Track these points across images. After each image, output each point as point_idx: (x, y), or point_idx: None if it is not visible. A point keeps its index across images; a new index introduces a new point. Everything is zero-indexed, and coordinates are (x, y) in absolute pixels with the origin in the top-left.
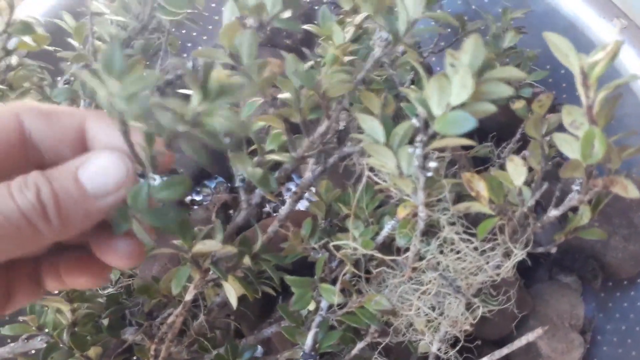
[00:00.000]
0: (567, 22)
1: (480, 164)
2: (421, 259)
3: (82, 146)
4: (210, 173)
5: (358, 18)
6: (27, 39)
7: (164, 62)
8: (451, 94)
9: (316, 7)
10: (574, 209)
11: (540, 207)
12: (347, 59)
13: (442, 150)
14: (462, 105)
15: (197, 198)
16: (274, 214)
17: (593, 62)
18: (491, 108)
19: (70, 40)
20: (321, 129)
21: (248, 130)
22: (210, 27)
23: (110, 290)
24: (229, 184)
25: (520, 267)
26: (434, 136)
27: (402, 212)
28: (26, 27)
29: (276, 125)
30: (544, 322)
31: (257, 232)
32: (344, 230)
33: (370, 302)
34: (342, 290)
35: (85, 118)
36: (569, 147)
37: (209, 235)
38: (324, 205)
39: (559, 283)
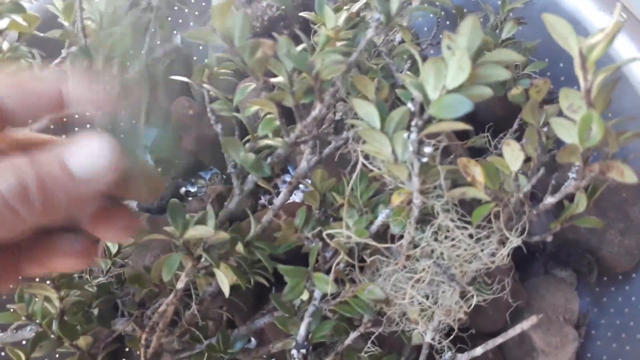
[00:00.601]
0: (567, 15)
1: (477, 155)
2: (415, 247)
3: (59, 104)
4: (205, 164)
5: (355, 6)
6: (18, 18)
7: (153, 40)
8: (447, 77)
9: None
10: (570, 198)
11: (535, 200)
12: (340, 43)
13: (437, 136)
14: (459, 89)
15: (192, 189)
16: (269, 206)
17: (592, 44)
18: (488, 92)
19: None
20: (314, 113)
21: None
22: (204, 2)
23: (101, 279)
24: (224, 175)
25: (516, 260)
26: (429, 121)
27: (396, 200)
28: (16, 6)
29: (269, 109)
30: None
31: (251, 220)
32: (339, 219)
33: (363, 291)
34: (336, 280)
35: (59, 79)
36: (566, 132)
37: (201, 222)
38: (318, 195)
39: (554, 277)
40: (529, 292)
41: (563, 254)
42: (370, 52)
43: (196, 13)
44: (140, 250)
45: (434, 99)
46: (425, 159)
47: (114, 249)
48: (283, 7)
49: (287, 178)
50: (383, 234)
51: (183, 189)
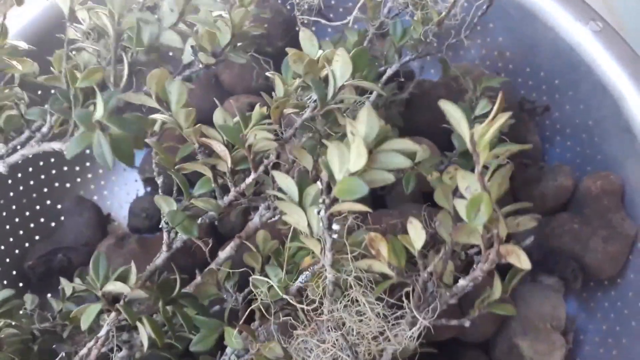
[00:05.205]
0: (545, 26)
1: None
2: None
3: None
4: None
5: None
6: (14, 62)
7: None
8: (350, 161)
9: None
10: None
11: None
12: (288, 111)
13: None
14: (361, 173)
15: None
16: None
17: (482, 132)
18: (389, 178)
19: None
20: (248, 180)
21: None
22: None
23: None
24: None
25: (502, 269)
26: (337, 199)
27: (307, 262)
28: (14, 50)
29: (204, 173)
30: (526, 324)
31: (177, 277)
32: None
33: (265, 348)
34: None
35: None
36: (464, 211)
37: (122, 277)
38: (260, 257)
39: (540, 285)
40: (516, 301)
41: (548, 261)
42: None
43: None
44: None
45: (338, 180)
46: (335, 235)
47: (68, 291)
48: (266, 25)
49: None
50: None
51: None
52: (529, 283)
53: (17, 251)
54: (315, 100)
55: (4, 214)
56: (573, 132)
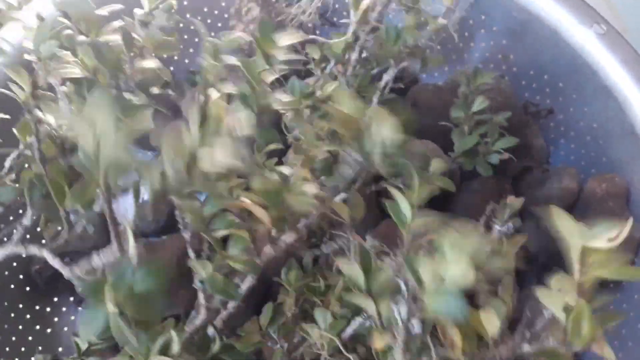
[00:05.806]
0: (549, 29)
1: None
2: None
3: None
4: None
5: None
6: None
7: None
8: (447, 276)
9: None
10: None
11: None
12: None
13: None
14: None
15: None
16: None
17: (595, 248)
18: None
19: None
20: (288, 240)
21: None
22: None
23: None
24: None
25: None
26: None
27: (378, 343)
28: None
29: (242, 235)
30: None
31: (215, 335)
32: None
33: None
34: None
35: None
36: (554, 306)
37: (165, 348)
38: (293, 294)
39: (547, 287)
40: (523, 302)
41: (554, 263)
42: None
43: None
44: None
45: (430, 289)
46: (414, 332)
47: (83, 346)
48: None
49: None
50: (353, 347)
51: None
52: (536, 285)
53: (23, 255)
54: (358, 161)
55: (11, 217)
56: (577, 134)
